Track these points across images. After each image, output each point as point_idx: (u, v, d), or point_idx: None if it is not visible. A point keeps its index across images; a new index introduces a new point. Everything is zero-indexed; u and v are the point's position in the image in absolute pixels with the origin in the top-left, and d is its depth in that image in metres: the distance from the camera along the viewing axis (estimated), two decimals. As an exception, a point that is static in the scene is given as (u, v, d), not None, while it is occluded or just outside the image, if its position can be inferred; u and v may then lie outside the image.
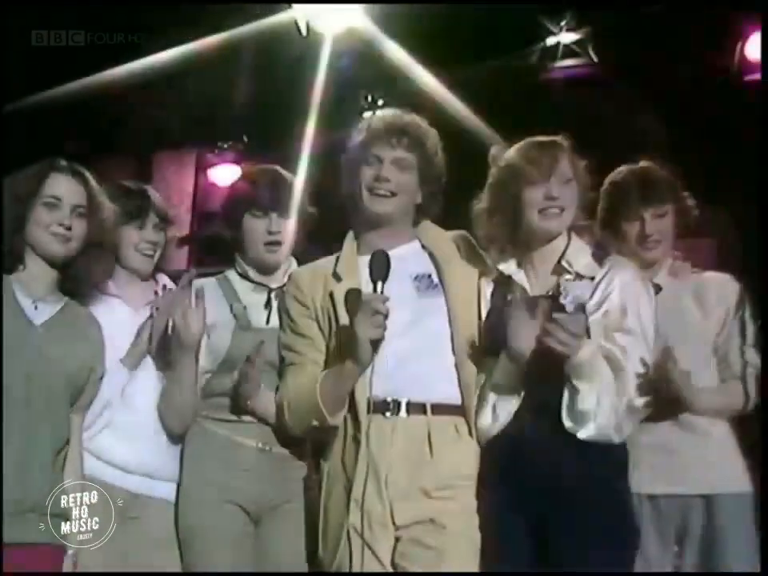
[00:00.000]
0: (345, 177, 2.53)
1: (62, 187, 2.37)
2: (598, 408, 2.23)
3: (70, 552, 2.27)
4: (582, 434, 2.24)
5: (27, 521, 2.19)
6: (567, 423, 2.24)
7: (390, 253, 2.32)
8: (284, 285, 2.62)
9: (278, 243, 2.61)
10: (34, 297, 2.35)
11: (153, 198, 2.72)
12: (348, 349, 2.29)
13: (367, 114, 4.87)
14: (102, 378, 2.44)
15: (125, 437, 2.52)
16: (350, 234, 2.53)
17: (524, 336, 2.23)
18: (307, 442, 2.54)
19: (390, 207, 2.45)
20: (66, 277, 2.41)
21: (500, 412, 2.32)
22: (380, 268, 2.29)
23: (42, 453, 2.26)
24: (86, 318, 2.45)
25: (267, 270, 2.65)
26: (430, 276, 2.45)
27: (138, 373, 2.57)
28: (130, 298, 2.67)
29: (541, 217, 2.39)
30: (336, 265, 2.47)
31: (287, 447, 2.53)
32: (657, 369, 2.31)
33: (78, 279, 2.43)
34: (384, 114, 2.53)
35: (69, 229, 2.35)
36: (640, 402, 2.28)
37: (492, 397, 2.35)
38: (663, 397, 2.36)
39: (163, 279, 2.77)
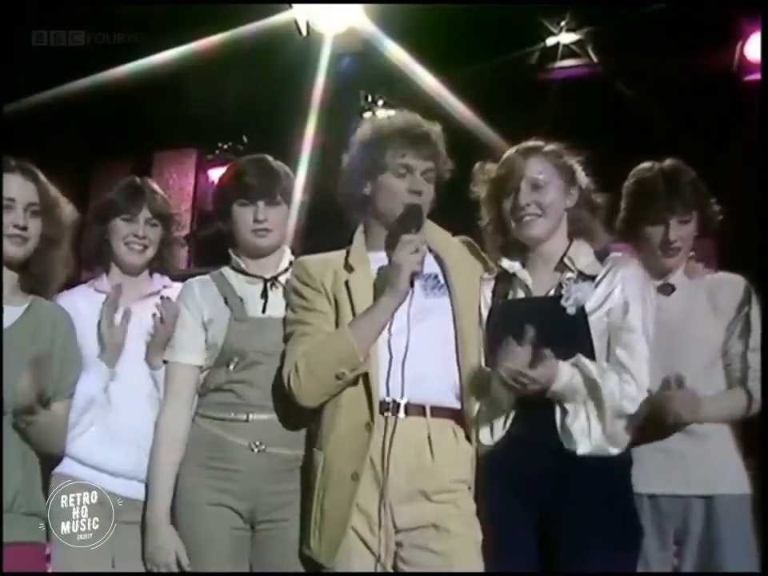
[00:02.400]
0: (353, 177, 2.46)
1: (14, 187, 2.34)
2: (588, 424, 2.24)
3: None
4: (580, 450, 2.24)
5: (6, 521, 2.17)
6: (564, 443, 2.24)
7: None
8: (278, 274, 2.60)
9: (266, 230, 2.60)
10: None
11: (147, 193, 2.68)
12: (387, 282, 2.30)
13: (367, 115, 4.87)
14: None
15: (110, 440, 2.50)
16: (360, 229, 2.49)
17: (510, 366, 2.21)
18: (307, 437, 2.46)
19: None
20: (27, 276, 2.39)
21: (498, 427, 2.31)
22: (415, 218, 2.34)
23: (15, 453, 2.24)
24: (50, 313, 2.42)
25: (257, 255, 2.62)
26: (436, 276, 2.43)
27: (120, 373, 2.55)
28: (121, 296, 2.65)
29: (518, 225, 2.39)
30: (347, 257, 2.44)
31: (283, 447, 2.46)
32: (662, 394, 2.29)
33: (39, 278, 2.40)
34: (396, 119, 2.45)
35: (24, 229, 2.32)
36: (632, 409, 2.26)
37: (493, 413, 2.33)
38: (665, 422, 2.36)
39: (163, 281, 2.73)
